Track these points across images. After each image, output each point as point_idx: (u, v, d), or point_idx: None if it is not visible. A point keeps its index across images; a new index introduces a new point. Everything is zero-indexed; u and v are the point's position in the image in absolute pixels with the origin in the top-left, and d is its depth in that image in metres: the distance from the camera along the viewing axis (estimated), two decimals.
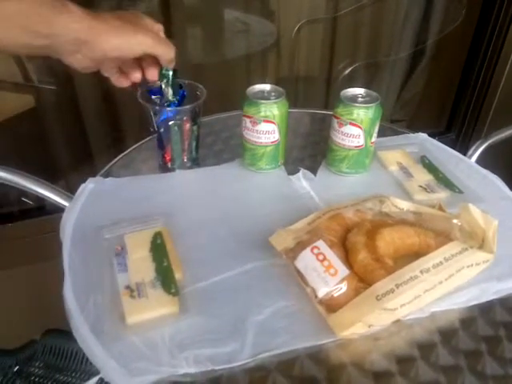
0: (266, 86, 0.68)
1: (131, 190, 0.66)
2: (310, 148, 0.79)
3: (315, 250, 0.49)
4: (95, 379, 0.48)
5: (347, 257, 0.49)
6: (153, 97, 0.68)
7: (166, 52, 0.57)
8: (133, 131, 1.14)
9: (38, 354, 0.80)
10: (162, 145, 0.70)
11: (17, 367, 0.79)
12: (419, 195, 0.65)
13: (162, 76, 0.62)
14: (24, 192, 1.18)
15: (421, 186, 0.67)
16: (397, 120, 1.63)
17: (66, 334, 0.81)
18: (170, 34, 1.15)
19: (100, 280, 0.51)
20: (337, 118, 0.66)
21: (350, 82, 1.45)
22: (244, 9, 1.41)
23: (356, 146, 0.67)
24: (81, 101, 1.11)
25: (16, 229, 1.10)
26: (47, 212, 1.12)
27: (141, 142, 0.77)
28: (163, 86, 0.64)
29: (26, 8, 0.46)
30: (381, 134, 0.70)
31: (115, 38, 0.52)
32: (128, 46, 0.53)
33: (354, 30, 1.52)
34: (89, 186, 0.65)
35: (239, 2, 1.41)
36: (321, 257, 0.48)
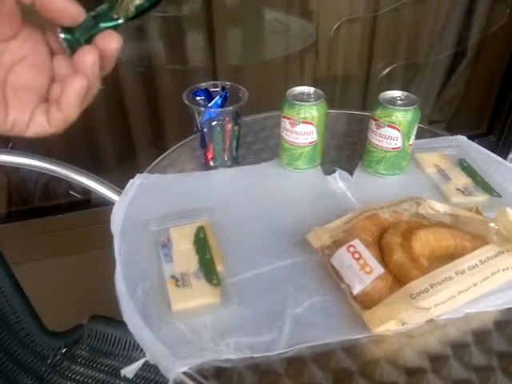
0: (306, 88, 0.70)
1: (176, 186, 0.70)
2: (347, 149, 0.81)
3: (351, 249, 0.50)
4: (140, 362, 0.52)
5: (382, 256, 0.51)
6: (197, 98, 0.72)
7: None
8: (176, 130, 1.18)
9: (85, 337, 0.86)
10: (204, 144, 0.73)
11: (65, 349, 0.85)
12: (456, 198, 0.65)
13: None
14: (71, 185, 1.25)
15: (458, 189, 0.67)
16: (435, 121, 1.60)
17: (110, 320, 0.86)
18: (212, 35, 1.19)
19: (148, 269, 0.55)
20: (375, 120, 0.68)
21: (389, 82, 1.45)
22: (283, 9, 1.43)
23: (393, 148, 0.68)
24: (127, 100, 1.16)
25: (64, 220, 1.17)
26: (93, 205, 1.18)
27: (184, 141, 0.81)
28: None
29: None
30: (419, 135, 0.71)
31: None
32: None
33: (394, 29, 1.51)
34: (137, 182, 0.69)
35: (279, 3, 1.43)
36: (356, 255, 0.50)
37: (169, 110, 1.17)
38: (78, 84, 0.30)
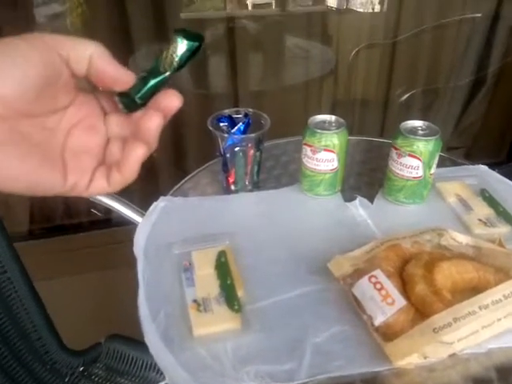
0: (327, 117, 0.71)
1: (198, 209, 0.71)
2: (367, 176, 0.81)
3: (373, 279, 0.51)
4: None
5: (404, 288, 0.51)
6: (221, 124, 0.74)
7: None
8: (198, 154, 1.21)
9: (102, 356, 0.86)
10: (226, 168, 0.74)
11: (82, 367, 0.86)
12: (478, 229, 0.65)
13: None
14: (93, 204, 1.28)
15: (480, 220, 0.67)
16: (454, 147, 1.60)
17: (128, 340, 0.87)
18: (234, 62, 1.23)
19: (170, 292, 0.55)
20: (396, 148, 0.68)
21: (408, 107, 1.46)
22: (303, 35, 1.46)
23: (414, 177, 0.68)
24: None
25: (86, 238, 1.19)
26: (114, 224, 1.20)
27: (206, 165, 0.83)
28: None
29: None
30: (439, 164, 0.71)
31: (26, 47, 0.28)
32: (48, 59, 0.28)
33: (413, 55, 1.52)
34: (160, 204, 0.71)
35: (298, 28, 1.46)
36: (378, 286, 0.50)
37: (191, 133, 1.20)
38: (140, 151, 0.32)
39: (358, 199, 0.72)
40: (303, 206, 0.73)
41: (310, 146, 0.69)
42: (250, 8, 1.91)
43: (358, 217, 0.70)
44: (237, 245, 0.62)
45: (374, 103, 1.50)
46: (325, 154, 0.69)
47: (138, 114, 0.32)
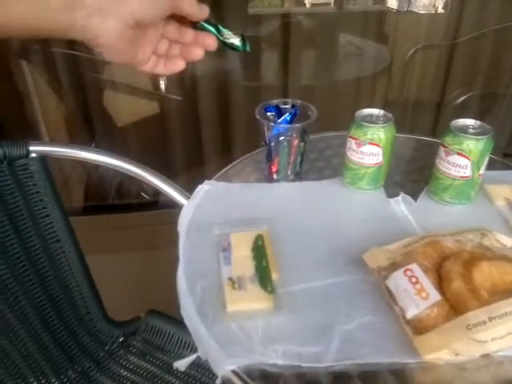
0: (375, 111, 0.71)
1: (240, 194, 0.73)
2: (414, 173, 0.80)
3: (408, 273, 0.50)
4: (192, 357, 0.55)
5: (441, 284, 0.50)
6: (268, 113, 0.75)
7: (192, 2, 0.47)
8: (244, 143, 1.23)
9: (141, 330, 0.91)
10: (270, 157, 0.76)
11: (122, 338, 0.90)
12: None
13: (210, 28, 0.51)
14: (142, 187, 1.34)
15: None
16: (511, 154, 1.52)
17: (166, 316, 0.91)
18: (287, 56, 1.24)
19: (207, 269, 0.58)
20: (444, 146, 0.67)
21: (463, 110, 1.40)
22: (359, 33, 1.45)
23: (462, 177, 0.67)
24: (201, 111, 1.23)
25: (133, 218, 1.25)
26: (160, 207, 1.25)
27: (251, 154, 0.85)
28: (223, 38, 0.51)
29: None
30: (491, 167, 0.69)
31: None
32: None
33: (472, 58, 1.47)
34: (205, 187, 0.74)
35: (355, 27, 1.45)
36: (413, 279, 0.49)
37: (241, 123, 1.23)
38: (199, 52, 0.50)
39: (400, 195, 0.71)
40: (344, 199, 0.73)
41: (355, 139, 0.69)
42: (307, 6, 1.91)
43: (400, 213, 0.69)
44: (275, 230, 0.63)
45: (428, 104, 1.46)
46: (370, 147, 0.68)
47: (188, 35, 0.50)
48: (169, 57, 0.51)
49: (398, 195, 0.72)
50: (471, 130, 0.66)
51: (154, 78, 1.35)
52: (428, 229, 0.63)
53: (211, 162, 1.30)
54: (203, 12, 0.48)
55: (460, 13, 1.54)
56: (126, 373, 0.86)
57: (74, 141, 1.38)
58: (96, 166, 1.32)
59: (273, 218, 0.66)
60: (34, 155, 0.76)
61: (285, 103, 0.77)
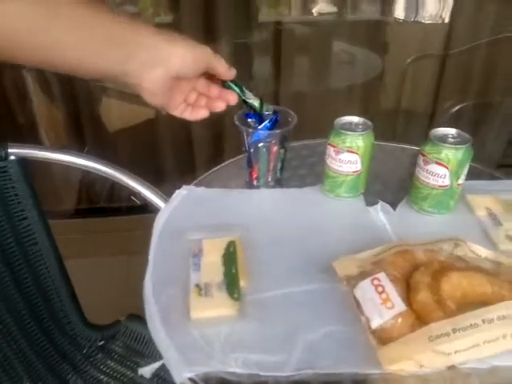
0: (355, 118, 0.70)
1: (217, 200, 0.72)
2: (395, 183, 0.79)
3: (375, 282, 0.49)
4: (157, 364, 0.54)
5: (409, 295, 0.49)
6: (248, 120, 0.74)
7: (224, 65, 0.58)
8: (233, 149, 1.23)
9: (120, 334, 0.90)
10: (250, 164, 0.75)
11: (101, 342, 0.89)
12: (504, 245, 0.61)
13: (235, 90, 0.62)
14: (133, 191, 1.34)
15: (508, 236, 0.63)
16: (506, 165, 1.51)
17: (145, 321, 0.90)
18: (278, 63, 1.24)
19: (176, 276, 0.57)
20: (423, 155, 0.66)
21: (457, 120, 1.39)
22: (352, 41, 1.45)
23: (440, 186, 0.66)
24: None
25: (116, 222, 1.24)
26: (144, 211, 1.25)
27: (233, 159, 0.84)
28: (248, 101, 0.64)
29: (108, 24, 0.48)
30: (475, 177, 0.68)
31: (185, 44, 0.52)
32: (196, 53, 0.53)
33: (466, 68, 1.46)
34: (182, 192, 0.73)
35: (348, 35, 1.45)
36: (380, 289, 0.48)
37: (230, 128, 1.22)
38: (221, 105, 0.61)
39: (379, 204, 0.70)
40: (322, 206, 0.72)
41: (333, 146, 0.68)
42: (314, 15, 1.88)
43: (378, 221, 0.68)
44: (249, 237, 0.63)
45: (420, 114, 1.45)
46: (348, 155, 0.68)
47: (214, 90, 0.60)
48: (195, 106, 0.60)
49: (377, 203, 0.71)
50: (450, 139, 0.65)
51: None
52: (404, 238, 0.62)
53: (202, 167, 1.30)
54: (231, 73, 0.59)
55: (459, 22, 1.54)
56: (103, 377, 0.85)
57: (65, 146, 1.39)
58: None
59: (249, 224, 0.65)
60: (12, 158, 0.76)
61: (266, 110, 0.76)
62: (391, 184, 0.79)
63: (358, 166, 0.69)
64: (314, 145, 0.90)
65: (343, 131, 0.67)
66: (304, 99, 1.26)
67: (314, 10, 1.81)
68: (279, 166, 0.76)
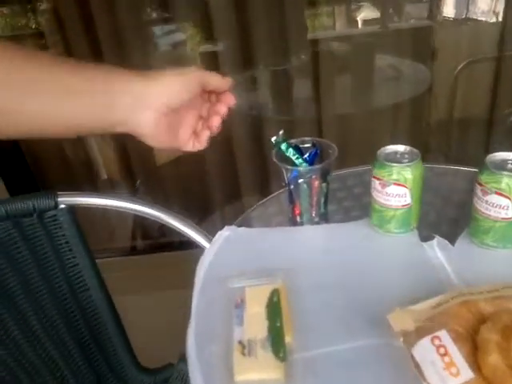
0: (400, 147, 0.65)
1: (260, 241, 0.70)
2: (451, 211, 0.73)
3: (436, 341, 0.44)
4: None
5: (475, 356, 0.43)
6: (287, 154, 0.72)
7: (218, 77, 0.54)
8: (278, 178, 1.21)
9: (173, 378, 0.89)
10: (292, 199, 0.72)
11: None
12: None
13: (277, 146, 0.67)
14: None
15: None
16: None
17: None
18: (318, 85, 1.20)
19: (219, 329, 0.55)
20: (481, 185, 0.60)
21: None
22: (397, 53, 1.38)
23: (504, 218, 0.59)
24: (236, 147, 1.22)
25: (168, 258, 1.25)
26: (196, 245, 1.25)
27: (275, 194, 0.81)
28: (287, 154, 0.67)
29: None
30: None
31: (169, 75, 0.50)
32: (183, 79, 0.50)
33: None
34: (224, 234, 0.71)
35: (392, 46, 1.38)
36: (442, 350, 0.43)
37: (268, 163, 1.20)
38: (216, 120, 0.57)
39: (435, 239, 0.65)
40: (371, 243, 0.67)
41: (379, 179, 0.64)
42: (360, 25, 1.80)
43: (435, 259, 0.62)
44: (293, 283, 0.59)
45: (477, 124, 1.34)
46: (395, 188, 0.63)
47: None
48: (197, 132, 0.57)
49: (432, 238, 0.65)
50: (510, 166, 0.58)
51: None
52: (466, 279, 0.56)
53: (249, 196, 1.28)
54: (227, 82, 0.55)
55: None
56: None
57: (116, 183, 1.42)
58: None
59: (293, 267, 0.62)
60: (62, 206, 0.78)
61: (304, 142, 0.73)
62: (447, 213, 0.72)
63: (407, 200, 0.63)
64: (359, 172, 0.86)
65: (388, 163, 0.62)
66: (348, 122, 1.21)
67: (359, 18, 1.73)
68: (322, 200, 0.72)
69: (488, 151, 1.33)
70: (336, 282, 0.60)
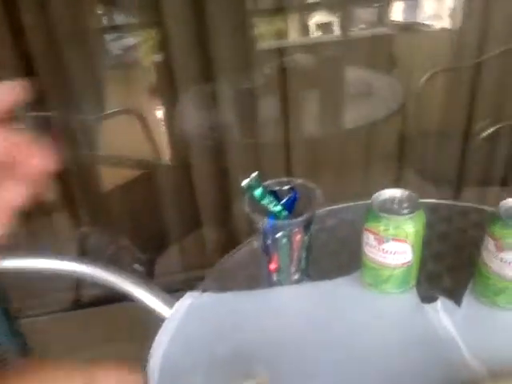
0: (397, 192, 0.55)
1: (230, 311, 0.57)
2: (452, 256, 0.63)
3: None
4: None
5: None
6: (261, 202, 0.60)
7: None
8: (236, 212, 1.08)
9: None
10: (268, 253, 0.60)
11: None
12: None
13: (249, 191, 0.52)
14: (137, 259, 1.19)
15: None
16: None
17: None
18: (286, 104, 1.09)
19: None
20: (494, 239, 0.50)
21: (493, 145, 1.23)
22: (361, 65, 1.31)
23: None
24: (194, 176, 1.09)
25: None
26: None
27: (247, 241, 0.69)
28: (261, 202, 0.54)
29: None
30: None
31: None
32: None
33: (497, 80, 1.30)
34: (185, 302, 0.58)
35: (356, 59, 1.31)
36: None
37: (237, 187, 1.08)
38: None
39: (439, 300, 0.55)
40: (363, 307, 0.56)
41: (374, 233, 0.53)
42: (312, 29, 1.78)
43: (439, 325, 0.52)
44: (277, 374, 0.47)
45: (449, 142, 1.28)
46: (394, 244, 0.52)
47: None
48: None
49: (433, 296, 0.55)
50: None
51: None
52: (482, 353, 0.47)
53: (209, 227, 1.15)
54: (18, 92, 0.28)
55: (476, 27, 1.38)
56: None
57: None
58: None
59: (270, 350, 0.51)
60: None
61: (281, 184, 0.62)
62: (446, 259, 0.63)
63: (407, 257, 0.53)
64: (340, 210, 0.75)
65: (384, 214, 0.51)
66: (319, 143, 1.10)
67: (311, 23, 1.71)
68: (304, 254, 0.60)
69: (464, 167, 1.28)
70: (325, 368, 0.49)
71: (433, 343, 0.50)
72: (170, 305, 0.61)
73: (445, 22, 1.92)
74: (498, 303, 0.53)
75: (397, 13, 2.02)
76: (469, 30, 1.51)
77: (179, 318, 0.56)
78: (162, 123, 1.31)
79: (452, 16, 1.89)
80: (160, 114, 1.33)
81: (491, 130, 1.21)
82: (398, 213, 0.52)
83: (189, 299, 0.58)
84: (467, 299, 0.55)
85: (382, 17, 1.95)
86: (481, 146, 1.24)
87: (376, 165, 1.21)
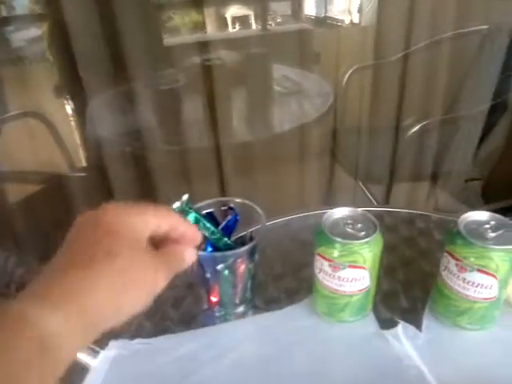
0: (350, 212, 0.49)
1: (168, 362, 0.47)
2: (403, 271, 0.59)
3: None
4: None
5: None
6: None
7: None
8: None
9: None
10: (207, 286, 0.52)
11: None
12: None
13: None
14: None
15: None
16: (472, 179, 1.39)
17: None
18: (213, 105, 1.00)
19: None
20: (455, 258, 0.46)
21: (421, 141, 1.24)
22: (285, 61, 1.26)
23: (486, 299, 0.46)
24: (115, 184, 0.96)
25: None
26: None
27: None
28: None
29: None
30: None
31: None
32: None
33: (415, 75, 1.33)
34: (108, 354, 0.47)
35: (280, 55, 1.26)
36: None
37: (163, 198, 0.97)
38: None
39: (399, 326, 0.50)
40: (320, 340, 0.50)
41: (328, 260, 0.46)
42: (229, 22, 1.81)
43: (403, 356, 0.47)
44: None
45: (381, 138, 1.28)
46: (351, 271, 0.46)
47: None
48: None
49: (394, 323, 0.50)
50: (491, 234, 0.45)
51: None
52: (446, 378, 0.43)
53: None
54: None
55: (394, 23, 1.40)
56: None
57: None
58: None
59: None
60: None
61: (217, 204, 0.53)
62: (398, 277, 0.59)
63: (365, 283, 0.48)
64: (282, 224, 0.68)
65: (339, 239, 0.45)
66: (249, 148, 1.02)
67: (228, 15, 1.77)
68: (249, 284, 0.53)
69: (394, 164, 1.28)
70: None
71: (398, 374, 0.46)
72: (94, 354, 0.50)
73: (354, 17, 1.97)
74: (461, 324, 0.49)
75: (309, 7, 2.05)
76: (387, 24, 1.53)
77: (103, 376, 0.46)
78: (72, 128, 1.16)
79: (361, 11, 1.94)
80: (69, 117, 1.17)
81: (418, 126, 1.22)
82: (353, 237, 0.45)
83: (112, 350, 0.48)
84: (428, 320, 0.51)
85: (295, 10, 1.97)
86: (410, 141, 1.25)
87: (309, 164, 1.17)
